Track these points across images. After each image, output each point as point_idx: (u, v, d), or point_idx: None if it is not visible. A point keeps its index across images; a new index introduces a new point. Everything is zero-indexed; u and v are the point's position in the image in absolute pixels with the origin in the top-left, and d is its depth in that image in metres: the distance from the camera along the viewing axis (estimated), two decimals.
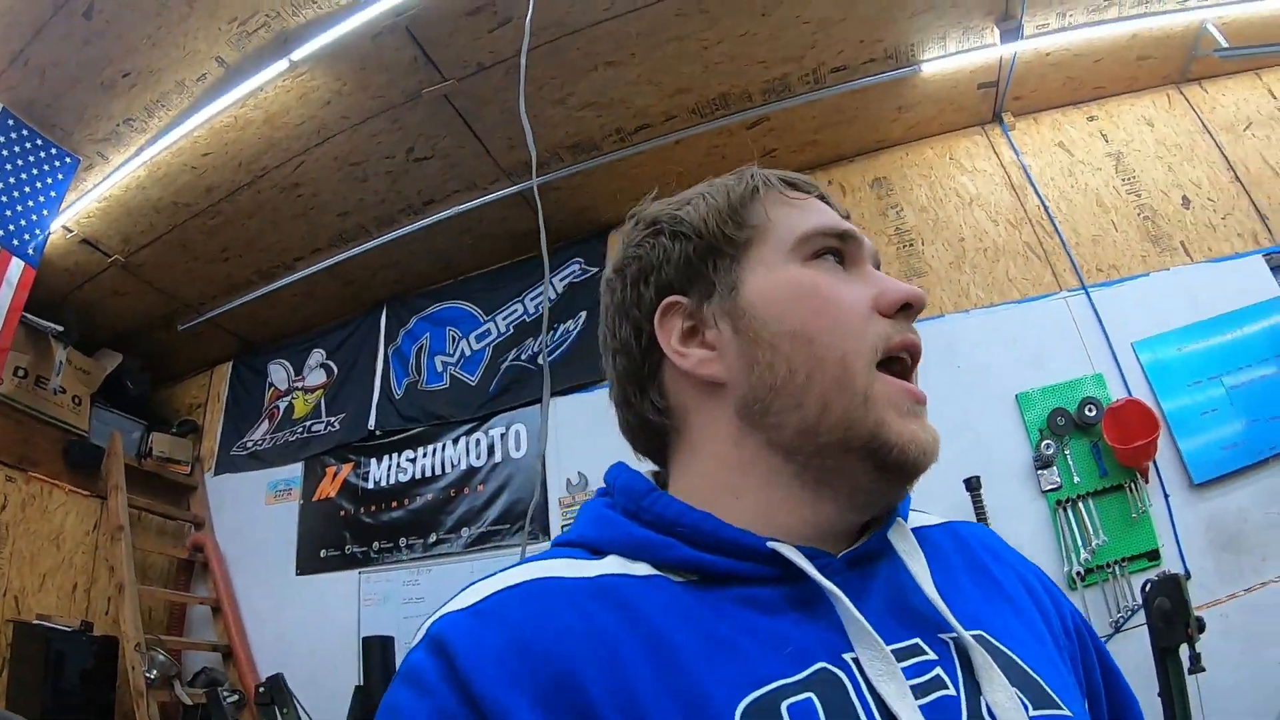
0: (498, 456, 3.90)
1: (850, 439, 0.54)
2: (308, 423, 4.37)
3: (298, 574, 4.07)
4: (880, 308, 0.58)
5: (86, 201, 3.57)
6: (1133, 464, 2.84)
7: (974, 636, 0.53)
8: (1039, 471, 2.95)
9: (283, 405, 4.51)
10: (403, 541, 3.92)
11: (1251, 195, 3.37)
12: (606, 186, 3.76)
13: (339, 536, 4.06)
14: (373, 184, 3.65)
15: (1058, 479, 2.93)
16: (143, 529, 4.14)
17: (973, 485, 2.89)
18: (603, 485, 0.63)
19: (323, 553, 4.07)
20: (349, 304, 4.45)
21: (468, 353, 4.15)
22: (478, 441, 3.97)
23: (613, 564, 0.54)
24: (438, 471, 4.00)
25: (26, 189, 3.28)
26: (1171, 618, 1.87)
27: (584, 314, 3.93)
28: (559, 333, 3.94)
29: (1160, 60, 3.52)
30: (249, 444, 4.48)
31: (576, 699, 0.45)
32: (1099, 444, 2.92)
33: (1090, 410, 2.93)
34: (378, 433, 4.18)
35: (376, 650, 3.11)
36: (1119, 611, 2.75)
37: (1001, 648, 0.54)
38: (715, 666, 0.47)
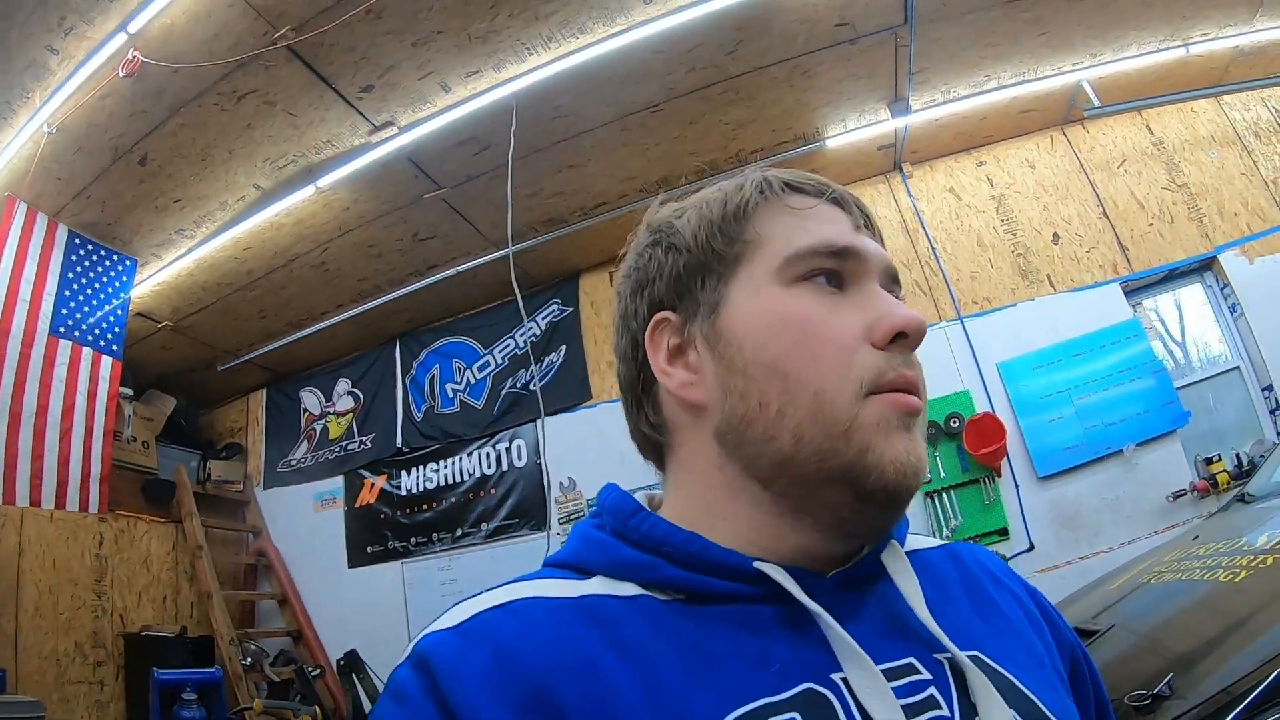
0: (504, 466, 4.80)
1: (826, 470, 0.51)
2: (343, 442, 5.22)
3: (350, 567, 4.99)
4: (873, 338, 0.54)
5: (143, 288, 4.27)
6: (987, 464, 3.72)
7: (970, 657, 0.51)
8: None
9: (318, 428, 5.34)
10: (435, 536, 4.84)
11: (1116, 228, 3.95)
12: (576, 243, 4.54)
13: (381, 535, 4.97)
14: (386, 258, 4.39)
15: (928, 475, 3.81)
16: (210, 542, 4.96)
17: None
18: (594, 505, 0.61)
19: (369, 549, 4.98)
20: (366, 340, 5.23)
21: (473, 381, 4.98)
22: (487, 455, 4.85)
23: (598, 584, 0.53)
24: (458, 479, 4.89)
25: (101, 295, 3.98)
26: None
27: (564, 347, 4.77)
28: (545, 364, 4.78)
29: (1042, 112, 4.14)
30: (292, 461, 5.33)
31: (554, 713, 0.45)
32: (961, 448, 3.79)
33: (954, 422, 3.81)
34: (405, 449, 5.04)
35: None
36: None
37: (998, 669, 0.52)
38: (699, 682, 0.46)
